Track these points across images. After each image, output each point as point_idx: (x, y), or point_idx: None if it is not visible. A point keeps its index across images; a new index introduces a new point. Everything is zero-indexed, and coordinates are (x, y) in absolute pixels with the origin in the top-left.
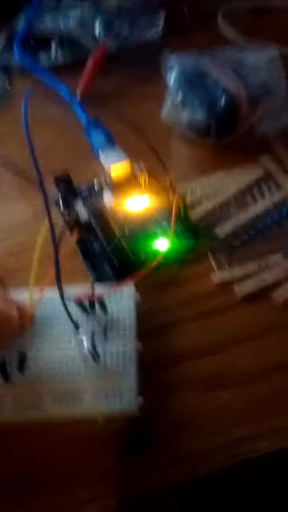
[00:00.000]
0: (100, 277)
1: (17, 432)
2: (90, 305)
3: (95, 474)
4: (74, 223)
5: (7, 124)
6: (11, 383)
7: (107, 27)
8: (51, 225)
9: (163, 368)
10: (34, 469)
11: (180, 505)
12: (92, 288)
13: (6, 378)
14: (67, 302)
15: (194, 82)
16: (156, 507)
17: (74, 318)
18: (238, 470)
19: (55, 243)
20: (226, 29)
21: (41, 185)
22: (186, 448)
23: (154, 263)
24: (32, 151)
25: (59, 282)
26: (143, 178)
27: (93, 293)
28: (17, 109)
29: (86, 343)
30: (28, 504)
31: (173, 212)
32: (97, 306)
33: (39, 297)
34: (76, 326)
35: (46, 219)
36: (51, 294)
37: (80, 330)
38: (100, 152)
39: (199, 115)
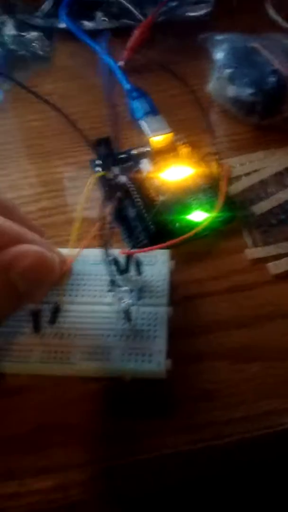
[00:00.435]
0: (135, 243)
1: (41, 384)
2: (126, 266)
3: (115, 432)
4: (114, 187)
5: (49, 84)
6: (41, 334)
7: None
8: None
9: (192, 337)
10: (54, 422)
11: (197, 471)
12: (130, 248)
13: (37, 328)
14: (106, 260)
15: (243, 59)
16: (172, 471)
17: (110, 277)
18: (260, 443)
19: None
20: (273, 15)
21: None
22: (210, 416)
23: (190, 234)
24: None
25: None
26: (183, 149)
27: (131, 253)
28: (59, 70)
29: (120, 302)
30: (45, 456)
31: (222, 183)
32: (132, 267)
33: (78, 254)
34: (114, 284)
35: (90, 179)
36: (89, 252)
37: (116, 289)
38: (142, 121)
39: (246, 93)
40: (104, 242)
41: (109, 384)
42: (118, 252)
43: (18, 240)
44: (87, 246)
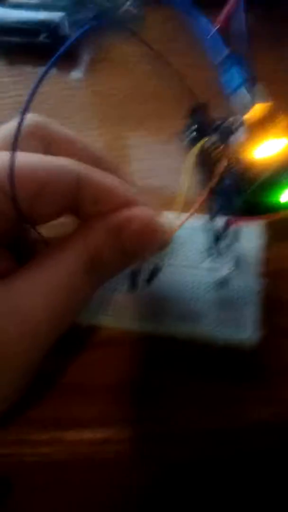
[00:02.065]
0: (228, 213)
1: (132, 340)
2: (223, 235)
3: (200, 397)
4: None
5: (140, 48)
6: (136, 293)
7: None
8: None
9: (282, 312)
10: (137, 378)
11: (275, 443)
12: (231, 218)
13: (135, 286)
14: (206, 227)
15: None
16: (252, 441)
17: (206, 245)
18: None
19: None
20: None
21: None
22: None
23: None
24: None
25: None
26: (282, 122)
27: (233, 223)
28: (149, 33)
29: (217, 270)
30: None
31: None
32: (230, 239)
33: (184, 221)
34: (212, 252)
35: (198, 143)
36: (191, 220)
37: (213, 256)
38: (239, 89)
39: None
40: (206, 210)
41: (199, 348)
42: (217, 221)
43: (130, 201)
44: (189, 213)
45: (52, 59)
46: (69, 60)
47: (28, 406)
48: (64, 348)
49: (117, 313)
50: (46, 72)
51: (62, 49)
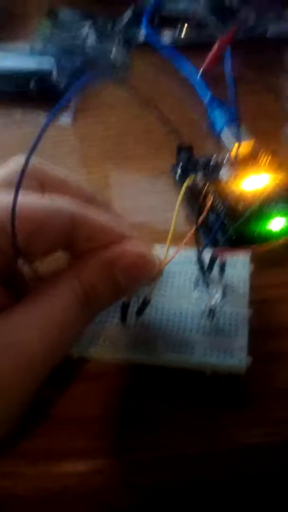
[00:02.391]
0: (215, 246)
1: (122, 371)
2: (210, 266)
3: (192, 423)
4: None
5: (127, 93)
6: (127, 324)
7: (234, 14)
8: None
9: (270, 338)
10: (129, 409)
11: (269, 465)
12: (220, 251)
13: (125, 318)
14: (193, 259)
15: None
16: (246, 462)
17: (194, 277)
18: None
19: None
20: None
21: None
22: (285, 412)
23: (273, 243)
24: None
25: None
26: (264, 158)
27: (220, 255)
28: (135, 79)
29: (205, 300)
30: (126, 443)
31: None
32: (216, 269)
33: (174, 255)
34: (200, 283)
35: (187, 181)
36: (181, 252)
37: (201, 287)
38: (223, 129)
39: None
40: (195, 242)
41: (190, 377)
42: (204, 253)
43: (122, 237)
44: (178, 247)
45: (54, 110)
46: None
47: (19, 437)
48: (55, 380)
49: (108, 345)
50: (50, 120)
51: (63, 100)
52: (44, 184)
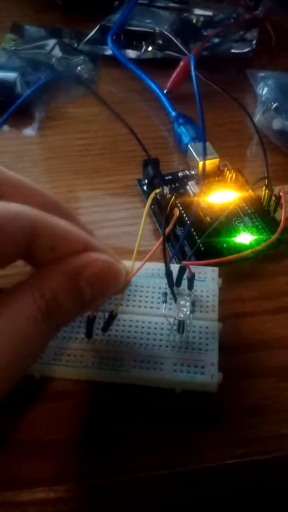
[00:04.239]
0: (183, 260)
1: (88, 390)
2: (179, 280)
3: (163, 443)
4: (164, 205)
5: (93, 107)
6: (93, 340)
7: (198, 34)
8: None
9: (240, 353)
10: (98, 429)
11: (242, 485)
12: (186, 263)
13: (90, 334)
14: (161, 273)
15: None
16: (218, 483)
17: (162, 290)
18: None
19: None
20: None
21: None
22: (258, 431)
23: (240, 255)
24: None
25: (165, 251)
26: (229, 174)
27: (187, 268)
28: (101, 94)
29: (174, 314)
30: (95, 466)
31: (283, 209)
32: (185, 282)
33: (140, 267)
34: (168, 297)
35: (151, 195)
36: (147, 266)
37: (170, 301)
38: (189, 145)
39: None
40: (162, 256)
41: (159, 395)
42: (172, 266)
43: (88, 246)
44: (145, 259)
45: (5, 116)
46: (22, 117)
47: None
48: (14, 402)
49: (73, 363)
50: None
51: (15, 105)
52: (1, 188)
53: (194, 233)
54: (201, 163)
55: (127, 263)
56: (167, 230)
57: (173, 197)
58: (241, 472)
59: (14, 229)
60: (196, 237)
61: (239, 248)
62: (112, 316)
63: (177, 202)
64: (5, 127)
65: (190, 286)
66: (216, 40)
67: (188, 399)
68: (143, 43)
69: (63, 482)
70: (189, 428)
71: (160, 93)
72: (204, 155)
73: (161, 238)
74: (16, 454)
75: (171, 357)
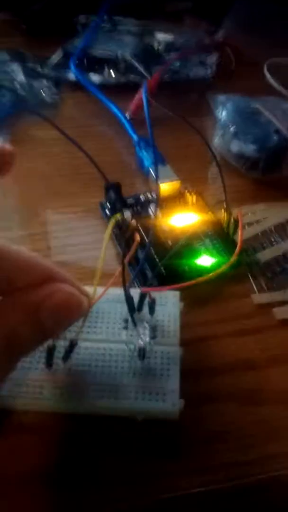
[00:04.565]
0: (144, 284)
1: (50, 422)
2: (139, 305)
3: (125, 474)
4: (125, 229)
5: (54, 131)
6: (53, 370)
7: (160, 58)
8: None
9: (202, 378)
10: (60, 462)
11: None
12: (146, 289)
13: (50, 364)
14: (121, 299)
15: (246, 118)
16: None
17: (123, 316)
18: (271, 485)
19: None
20: (270, 79)
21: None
22: (222, 457)
23: (200, 279)
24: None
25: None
26: (190, 197)
27: (148, 293)
28: (65, 118)
29: (134, 340)
30: (55, 501)
31: (239, 232)
32: (145, 307)
33: (102, 294)
34: (128, 323)
35: (112, 219)
36: (109, 290)
37: (130, 327)
38: (150, 168)
39: (250, 149)
40: (122, 281)
41: (120, 424)
42: (133, 291)
43: (48, 276)
44: (107, 286)
45: None
46: None
47: None
48: None
49: (32, 394)
50: None
51: None
52: None
53: (155, 257)
54: (159, 187)
55: (89, 289)
56: (127, 256)
57: (133, 221)
58: (206, 500)
59: None
60: (157, 261)
61: (200, 270)
62: (73, 345)
63: (138, 225)
64: None
65: (151, 311)
66: (177, 64)
67: (151, 427)
68: (106, 67)
69: None
70: (150, 458)
71: (122, 117)
72: (157, 178)
73: (122, 264)
74: None
75: (132, 385)
